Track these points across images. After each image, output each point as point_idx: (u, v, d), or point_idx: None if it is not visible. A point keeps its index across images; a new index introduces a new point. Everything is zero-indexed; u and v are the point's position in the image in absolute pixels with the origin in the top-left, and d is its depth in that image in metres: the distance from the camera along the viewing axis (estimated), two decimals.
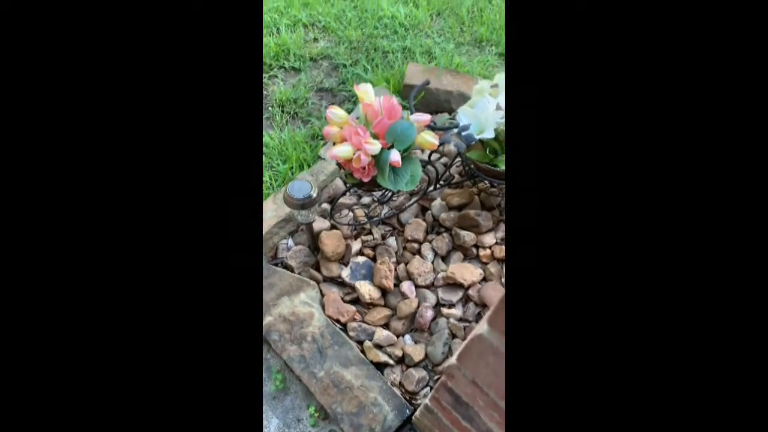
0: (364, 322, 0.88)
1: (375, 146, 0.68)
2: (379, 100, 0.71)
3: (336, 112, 0.73)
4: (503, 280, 0.89)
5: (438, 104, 1.25)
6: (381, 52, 1.38)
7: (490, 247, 0.93)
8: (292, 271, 0.94)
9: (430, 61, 1.40)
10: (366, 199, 1.03)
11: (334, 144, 0.73)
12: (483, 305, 0.86)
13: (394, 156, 0.68)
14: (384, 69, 1.32)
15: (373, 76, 1.29)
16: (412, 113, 0.74)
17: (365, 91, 0.72)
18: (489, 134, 0.81)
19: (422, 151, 1.03)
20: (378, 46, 1.41)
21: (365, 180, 0.71)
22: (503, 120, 0.83)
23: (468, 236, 0.93)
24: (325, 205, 1.02)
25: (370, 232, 1.00)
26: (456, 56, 1.35)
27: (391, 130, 0.70)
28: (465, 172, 0.96)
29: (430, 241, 0.97)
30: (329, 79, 1.34)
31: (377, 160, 0.70)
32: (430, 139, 0.73)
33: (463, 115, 0.86)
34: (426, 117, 0.73)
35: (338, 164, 0.74)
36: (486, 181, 0.91)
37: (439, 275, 0.92)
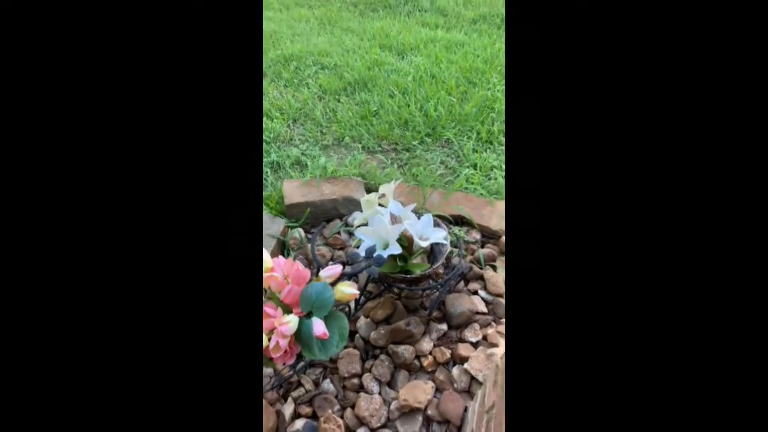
0: None
1: (292, 323, 0.63)
2: (279, 262, 0.68)
3: None
4: (455, 384, 0.89)
5: (326, 213, 1.27)
6: None
7: (430, 353, 0.94)
8: None
9: (302, 170, 1.45)
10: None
11: None
12: (446, 421, 0.85)
13: (319, 328, 0.64)
14: None
15: None
16: (316, 260, 0.73)
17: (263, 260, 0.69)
18: (395, 249, 0.85)
19: None
20: None
21: (289, 362, 0.65)
22: (403, 229, 0.88)
23: (406, 351, 0.92)
24: None
25: (299, 384, 0.91)
26: (323, 158, 1.43)
27: (305, 296, 0.67)
28: (380, 283, 0.98)
29: (370, 370, 0.93)
30: None
31: (298, 335, 0.66)
32: (349, 291, 0.72)
33: (363, 236, 0.89)
34: (337, 269, 0.72)
35: None
36: (402, 285, 0.94)
37: (392, 406, 0.88)
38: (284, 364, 0.64)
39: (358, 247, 0.90)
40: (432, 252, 1.02)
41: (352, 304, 0.91)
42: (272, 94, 1.89)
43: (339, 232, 1.20)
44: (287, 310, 0.67)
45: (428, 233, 0.91)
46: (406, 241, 0.92)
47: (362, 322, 0.99)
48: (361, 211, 0.97)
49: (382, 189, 0.96)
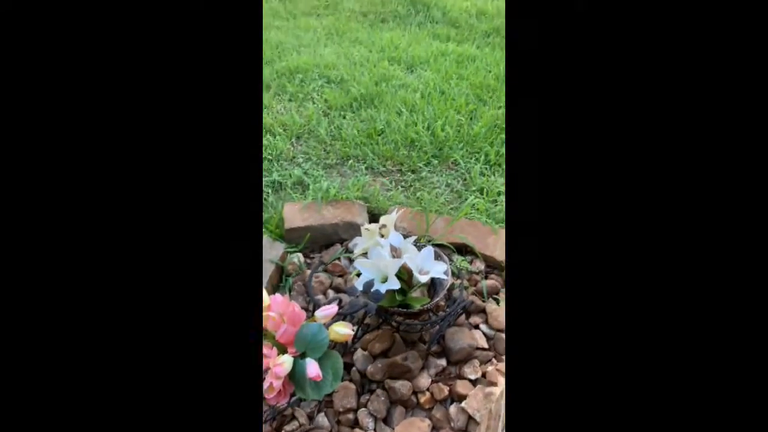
0: None
1: (287, 364, 0.66)
2: (276, 300, 0.71)
3: None
4: (452, 423, 0.91)
5: (326, 238, 1.30)
6: None
7: (428, 389, 0.95)
8: None
9: (303, 191, 1.48)
10: None
11: None
12: None
13: (313, 370, 0.66)
14: None
15: None
16: (312, 299, 0.76)
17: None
18: (394, 284, 0.87)
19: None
20: None
21: (283, 402, 0.67)
22: (403, 263, 0.91)
23: (403, 387, 0.94)
24: None
25: (293, 417, 0.94)
26: (326, 181, 1.46)
27: (300, 337, 0.69)
28: (378, 317, 1.00)
29: (366, 405, 0.95)
30: None
31: (291, 374, 0.68)
32: (343, 331, 0.74)
33: (362, 268, 0.91)
34: (333, 309, 0.75)
35: None
36: (401, 317, 0.96)
37: None
38: (278, 403, 0.66)
39: (359, 275, 0.91)
40: (432, 285, 1.04)
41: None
42: (276, 108, 1.94)
43: (339, 258, 1.23)
44: (282, 349, 0.70)
45: (428, 267, 0.94)
46: (405, 274, 0.95)
47: (359, 354, 1.01)
48: (362, 236, 1.00)
49: (383, 220, 0.99)
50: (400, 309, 0.91)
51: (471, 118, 1.81)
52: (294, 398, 0.93)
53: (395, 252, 0.95)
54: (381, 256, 0.87)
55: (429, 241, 1.23)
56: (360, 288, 0.87)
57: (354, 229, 1.28)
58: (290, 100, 2.02)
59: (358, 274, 0.94)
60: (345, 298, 1.02)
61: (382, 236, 0.99)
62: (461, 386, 0.95)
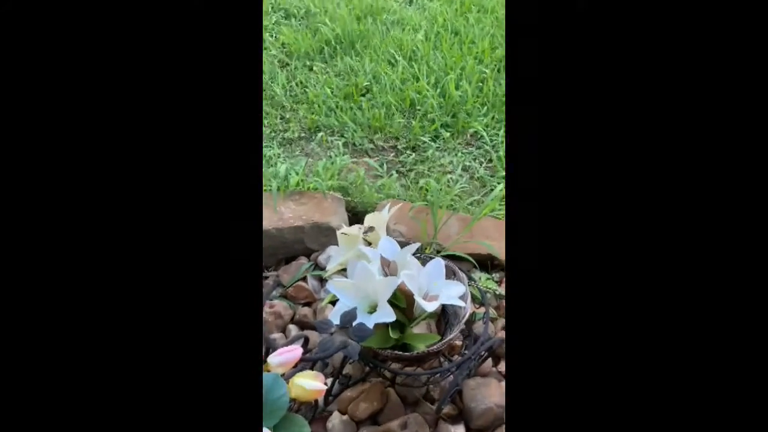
0: None
1: None
2: None
3: None
4: None
5: (285, 249, 1.29)
6: None
7: None
8: None
9: None
10: None
11: None
12: None
13: None
14: None
15: None
16: (267, 345, 0.74)
17: None
18: (386, 314, 0.87)
19: None
20: None
21: None
22: (400, 282, 0.90)
23: None
24: None
25: None
26: (284, 164, 1.45)
27: None
28: (364, 362, 1.00)
29: None
30: None
31: None
32: (312, 385, 0.74)
33: (339, 291, 0.91)
34: (295, 353, 0.74)
35: None
36: (398, 364, 0.96)
37: None
38: None
39: (334, 303, 0.91)
40: (444, 316, 1.04)
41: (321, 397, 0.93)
42: None
43: (305, 278, 1.22)
44: None
45: (437, 290, 0.92)
46: (403, 300, 0.93)
47: (336, 420, 0.99)
48: (338, 245, 0.99)
49: (369, 220, 0.98)
50: (396, 352, 0.90)
51: (498, 70, 1.81)
52: None
53: (388, 267, 0.95)
54: (367, 274, 0.86)
55: (438, 252, 1.23)
56: (336, 321, 0.86)
57: (326, 235, 1.27)
58: None
59: (333, 302, 0.93)
60: (313, 336, 1.01)
61: (369, 244, 0.99)
62: None
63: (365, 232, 0.97)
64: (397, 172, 1.50)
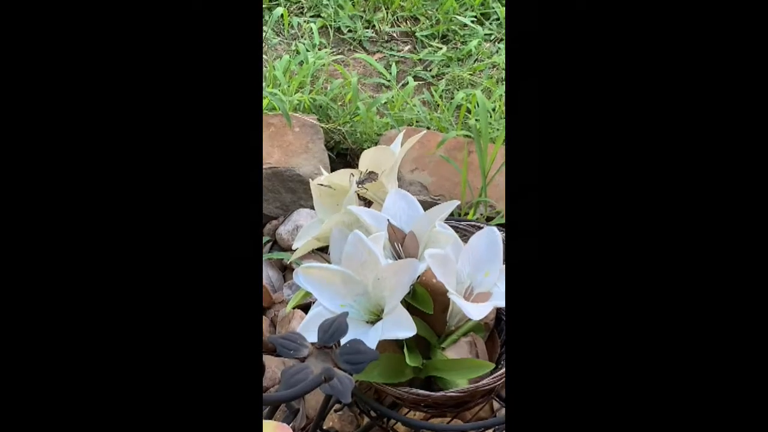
0: None
1: None
2: None
3: None
4: None
5: None
6: None
7: None
8: None
9: None
10: None
11: None
12: None
13: None
14: None
15: None
16: None
17: None
18: (401, 327, 0.85)
19: None
20: None
21: None
22: (423, 269, 0.90)
23: None
24: None
25: None
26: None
27: None
28: (360, 410, 1.01)
29: None
30: None
31: None
32: None
33: (313, 286, 0.90)
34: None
35: None
36: (424, 409, 0.97)
37: None
38: None
39: (305, 308, 0.95)
40: (500, 327, 1.04)
41: None
42: None
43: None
44: None
45: (490, 282, 0.94)
46: (430, 301, 0.93)
47: None
48: (312, 207, 1.01)
49: (367, 160, 0.98)
50: (417, 391, 0.90)
51: None
52: None
53: (401, 243, 0.95)
54: (365, 255, 0.88)
55: (489, 219, 1.24)
56: (311, 338, 0.84)
57: (291, 190, 1.28)
58: None
59: (306, 305, 0.97)
60: (272, 363, 1.03)
61: (368, 204, 1.00)
62: None
63: (361, 183, 0.97)
64: (417, 78, 1.49)
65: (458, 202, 0.98)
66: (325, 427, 1.02)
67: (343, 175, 0.97)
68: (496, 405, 1.06)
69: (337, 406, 1.08)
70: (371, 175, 0.97)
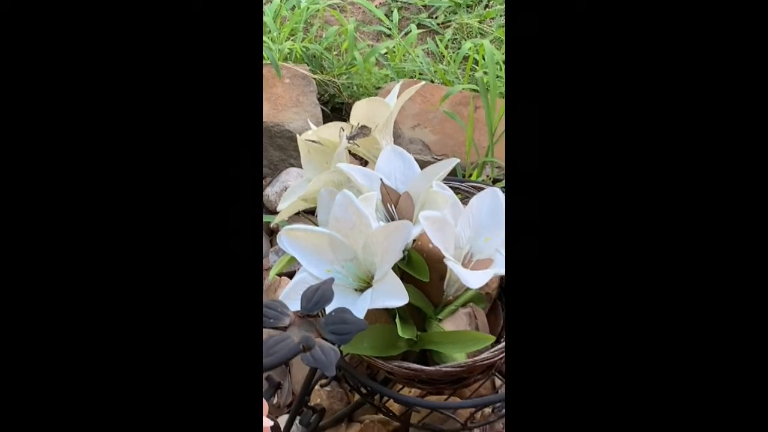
0: None
1: None
2: None
3: None
4: None
5: None
6: None
7: None
8: None
9: None
10: None
11: None
12: None
13: None
14: None
15: None
16: None
17: None
18: (392, 295, 0.85)
19: None
20: None
21: None
22: (418, 232, 0.89)
23: None
24: None
25: None
26: None
27: None
28: (349, 386, 1.01)
29: None
30: None
31: None
32: None
33: (297, 250, 0.90)
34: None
35: None
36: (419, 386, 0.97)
37: None
38: None
39: (289, 275, 0.94)
40: (503, 298, 1.04)
41: None
42: None
43: None
44: None
45: (492, 248, 0.92)
46: (425, 268, 0.93)
47: None
48: (300, 165, 1.01)
49: (360, 112, 0.96)
50: (410, 366, 0.90)
51: None
52: None
53: (395, 204, 0.94)
54: (354, 216, 0.87)
55: (495, 181, 1.24)
56: (294, 306, 0.83)
57: (279, 146, 1.27)
58: None
59: (290, 273, 0.95)
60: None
61: (361, 162, 1.00)
62: None
63: (352, 138, 0.96)
64: (421, 26, 1.48)
65: (458, 161, 0.98)
66: (312, 404, 1.01)
67: (333, 129, 0.96)
68: (498, 382, 1.05)
69: (323, 381, 1.08)
70: (364, 130, 0.97)
